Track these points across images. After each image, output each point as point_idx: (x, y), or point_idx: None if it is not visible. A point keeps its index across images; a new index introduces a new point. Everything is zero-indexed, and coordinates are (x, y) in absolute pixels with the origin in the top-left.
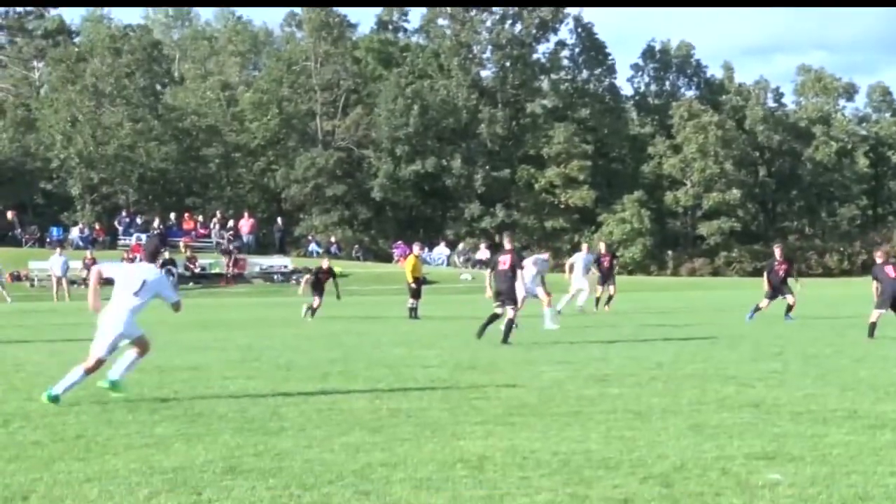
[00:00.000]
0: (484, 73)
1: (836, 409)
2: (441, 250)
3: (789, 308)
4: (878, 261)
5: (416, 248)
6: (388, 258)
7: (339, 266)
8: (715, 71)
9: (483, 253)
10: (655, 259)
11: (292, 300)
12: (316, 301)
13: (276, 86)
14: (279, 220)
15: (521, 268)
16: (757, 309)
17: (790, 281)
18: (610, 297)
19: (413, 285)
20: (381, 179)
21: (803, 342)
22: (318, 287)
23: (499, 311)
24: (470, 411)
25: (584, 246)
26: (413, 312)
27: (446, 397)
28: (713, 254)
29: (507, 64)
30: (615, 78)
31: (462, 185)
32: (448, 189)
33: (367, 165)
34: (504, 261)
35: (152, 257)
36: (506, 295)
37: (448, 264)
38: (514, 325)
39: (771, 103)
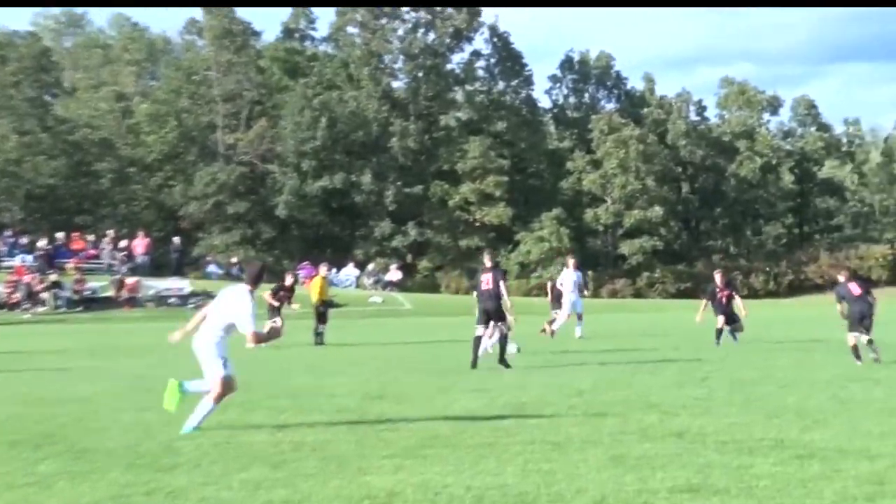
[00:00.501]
0: (395, 84)
1: (763, 438)
2: (349, 271)
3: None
4: (842, 279)
5: (322, 268)
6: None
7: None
8: (636, 83)
9: (394, 274)
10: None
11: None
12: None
13: (174, 97)
14: (176, 239)
15: (505, 282)
16: (720, 332)
17: (735, 305)
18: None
19: (320, 309)
20: (287, 196)
21: (729, 367)
22: (275, 308)
23: (480, 332)
24: (378, 444)
25: (572, 261)
26: (319, 338)
27: (353, 429)
28: (635, 274)
29: (420, 74)
30: (532, 90)
31: (372, 201)
32: (357, 206)
33: (271, 181)
34: (486, 280)
35: (255, 282)
36: (493, 314)
37: (357, 286)
38: (507, 343)
39: (693, 117)
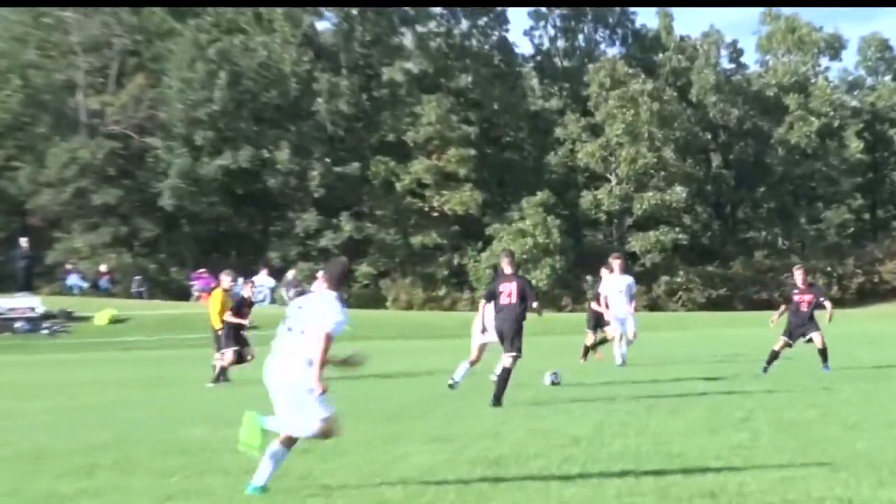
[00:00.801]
0: (321, 26)
1: (824, 497)
2: (262, 280)
3: (822, 354)
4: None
5: (224, 278)
6: (184, 294)
7: (114, 307)
8: (647, 19)
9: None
10: (569, 287)
11: (45, 357)
12: (228, 355)
13: (18, 47)
14: (23, 241)
15: (533, 298)
16: (774, 356)
17: (819, 314)
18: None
19: (220, 333)
20: (174, 180)
21: (778, 403)
22: (236, 334)
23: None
24: None
25: (617, 262)
26: (221, 373)
27: (270, 495)
28: (650, 279)
29: (354, 13)
30: (507, 30)
31: (291, 186)
32: (271, 192)
33: (152, 160)
34: (509, 291)
35: (339, 284)
36: (509, 338)
37: (272, 301)
38: (508, 380)
39: (727, 64)
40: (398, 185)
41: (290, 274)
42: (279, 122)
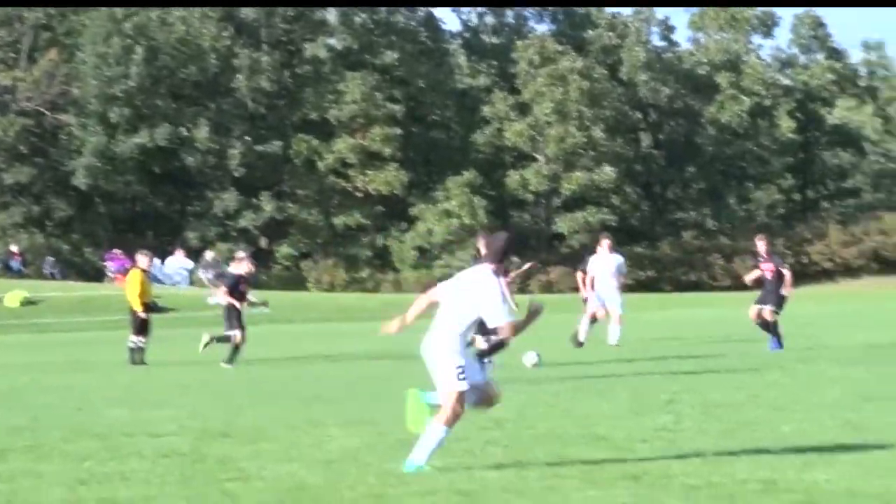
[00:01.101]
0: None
1: (748, 479)
2: (179, 262)
3: (766, 328)
4: None
5: (141, 259)
6: (98, 275)
7: (25, 289)
8: None
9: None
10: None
11: None
12: (237, 335)
13: None
14: None
15: (507, 278)
16: (765, 327)
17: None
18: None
19: (141, 315)
20: (88, 158)
21: (704, 386)
22: (238, 313)
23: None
24: (221, 500)
25: (606, 242)
26: (136, 355)
27: (187, 480)
28: (577, 259)
29: None
30: (434, 6)
31: (210, 164)
32: (189, 171)
33: (65, 138)
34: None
35: (500, 258)
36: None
37: (190, 283)
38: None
39: (657, 42)
40: (321, 165)
41: (209, 255)
42: (198, 99)
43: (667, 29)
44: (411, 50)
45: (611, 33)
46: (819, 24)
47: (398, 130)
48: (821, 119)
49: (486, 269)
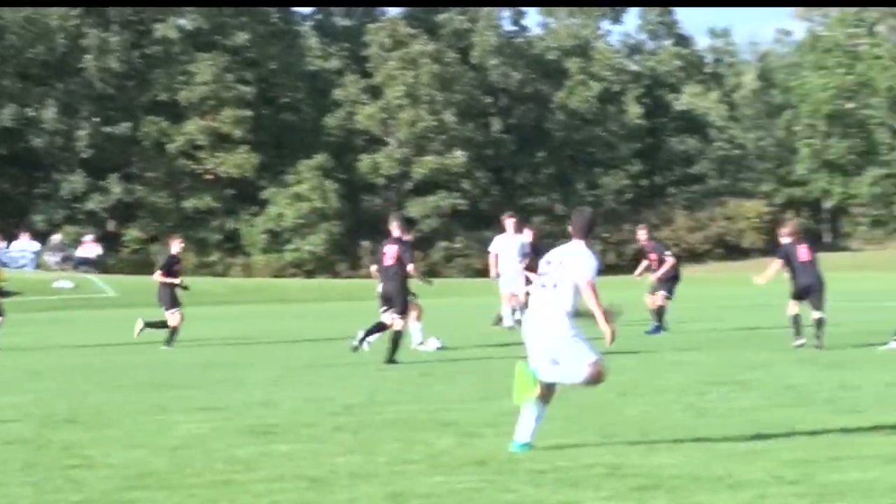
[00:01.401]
0: None
1: (594, 463)
2: (25, 245)
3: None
4: (787, 239)
5: None
6: None
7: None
8: None
9: (90, 248)
10: (346, 253)
11: None
12: (177, 316)
13: None
14: None
15: (410, 261)
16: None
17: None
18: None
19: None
20: None
21: None
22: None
23: (387, 319)
24: (66, 486)
25: (511, 222)
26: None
27: (30, 466)
28: (428, 244)
29: None
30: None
31: (57, 146)
32: (36, 152)
33: None
34: (389, 254)
35: (586, 233)
36: (392, 298)
37: (36, 266)
38: (400, 340)
39: (508, 26)
40: (170, 147)
41: (56, 238)
42: (45, 79)
43: (517, 14)
44: (262, 31)
45: (462, 17)
46: (667, 11)
47: (249, 113)
48: (668, 105)
49: (579, 244)
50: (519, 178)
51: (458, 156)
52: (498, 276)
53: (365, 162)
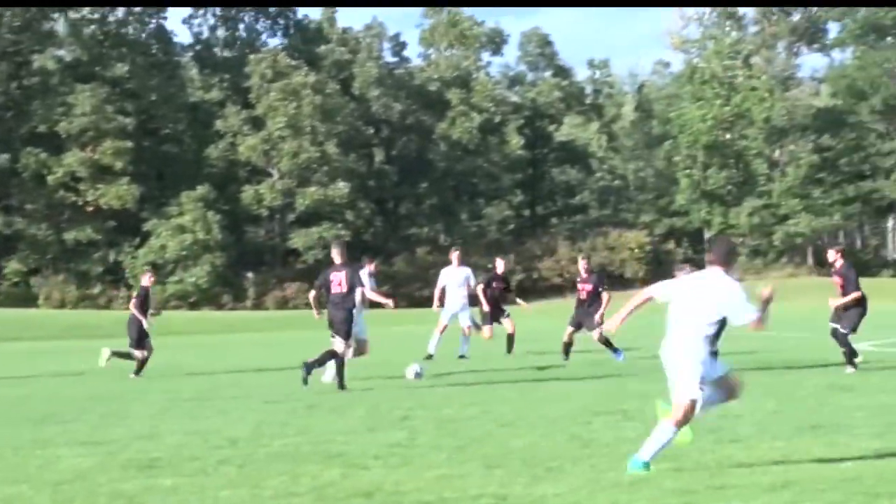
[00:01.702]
0: None
1: (480, 494)
2: None
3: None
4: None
5: None
6: None
7: None
8: (310, 10)
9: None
10: (230, 285)
11: None
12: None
13: None
14: None
15: (361, 285)
16: (567, 347)
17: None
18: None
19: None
20: None
21: (438, 401)
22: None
23: (337, 347)
24: None
25: (456, 255)
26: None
27: None
28: (313, 276)
29: None
30: (165, 18)
31: None
32: None
33: None
34: (339, 280)
35: (728, 261)
36: (338, 325)
37: None
38: (343, 365)
39: (389, 58)
40: (50, 178)
41: None
42: None
43: (398, 45)
44: (142, 62)
45: (343, 48)
46: (546, 42)
47: (130, 144)
48: (549, 136)
49: (719, 271)
50: (402, 208)
51: (341, 187)
52: (441, 306)
53: (248, 193)
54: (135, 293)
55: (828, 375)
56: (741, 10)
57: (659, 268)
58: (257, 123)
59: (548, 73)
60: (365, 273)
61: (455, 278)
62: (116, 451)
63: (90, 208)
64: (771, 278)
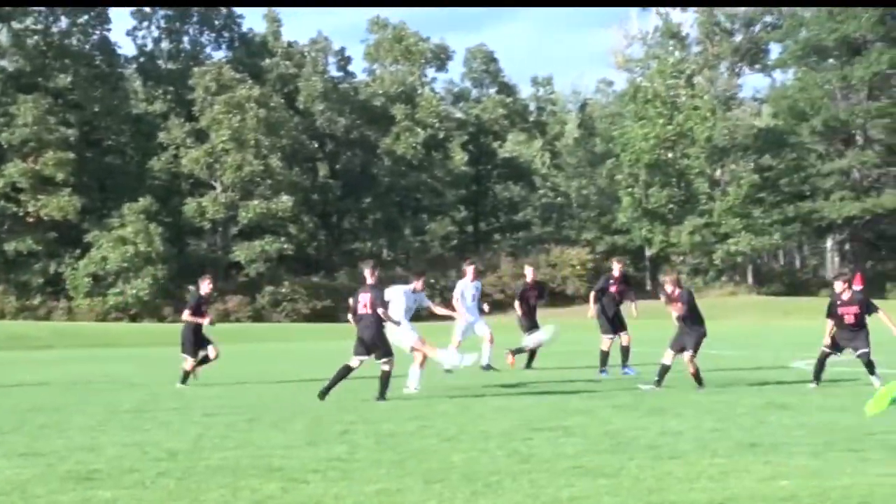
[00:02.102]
0: None
1: None
2: None
3: (526, 352)
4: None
5: None
6: None
7: None
8: (255, 23)
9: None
10: (172, 297)
11: None
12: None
13: None
14: None
15: (384, 307)
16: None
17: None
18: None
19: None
20: None
21: (379, 416)
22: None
23: (354, 364)
24: None
25: (471, 269)
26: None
27: None
28: (255, 289)
29: None
30: (109, 30)
31: None
32: None
33: None
34: (364, 302)
35: None
36: (372, 344)
37: None
38: (389, 380)
39: (334, 72)
40: None
41: None
42: None
43: (343, 59)
44: (86, 74)
45: (288, 62)
46: (491, 59)
47: (72, 155)
48: (493, 152)
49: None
50: (346, 222)
51: (285, 200)
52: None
53: (190, 206)
54: (189, 299)
55: (766, 394)
56: (684, 31)
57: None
58: (201, 136)
59: (492, 90)
60: (406, 291)
61: (471, 291)
62: (55, 463)
63: (31, 219)
64: (712, 296)
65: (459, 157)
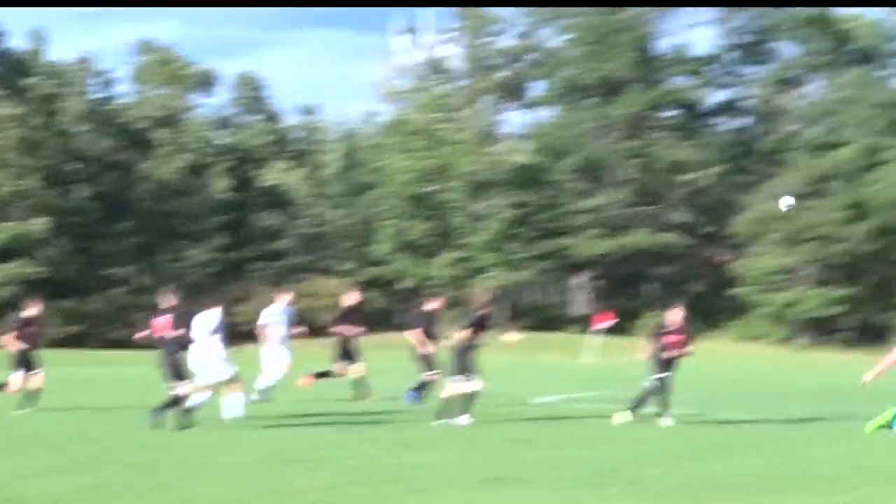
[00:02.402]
0: None
1: None
2: None
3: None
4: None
5: None
6: None
7: None
8: (21, 41)
9: None
10: None
11: None
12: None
13: None
14: None
15: (185, 329)
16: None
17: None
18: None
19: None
20: None
21: (125, 446)
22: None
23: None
24: None
25: (285, 296)
26: None
27: None
28: (4, 312)
29: None
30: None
31: None
32: None
33: None
34: (160, 325)
35: None
36: (165, 369)
37: None
38: (179, 406)
39: (98, 93)
40: None
41: None
42: None
43: (107, 81)
44: None
45: (50, 81)
46: (258, 86)
47: None
48: (254, 180)
49: None
50: (102, 246)
51: (40, 222)
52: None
53: None
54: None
55: (510, 428)
56: (451, 64)
57: (360, 316)
58: None
59: (258, 117)
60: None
61: (283, 317)
62: None
63: None
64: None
65: (221, 184)
